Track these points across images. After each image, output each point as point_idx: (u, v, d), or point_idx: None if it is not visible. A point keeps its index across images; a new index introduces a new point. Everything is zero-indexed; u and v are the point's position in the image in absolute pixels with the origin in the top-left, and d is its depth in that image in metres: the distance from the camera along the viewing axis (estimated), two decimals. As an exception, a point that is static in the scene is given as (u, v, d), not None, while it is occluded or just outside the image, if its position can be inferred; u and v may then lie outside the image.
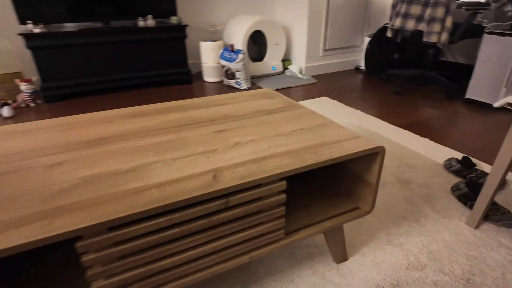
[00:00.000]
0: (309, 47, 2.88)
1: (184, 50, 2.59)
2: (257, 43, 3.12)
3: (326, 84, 2.70)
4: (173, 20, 2.50)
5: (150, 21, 2.43)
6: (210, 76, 2.76)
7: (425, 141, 1.63)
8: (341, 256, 0.90)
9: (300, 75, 2.85)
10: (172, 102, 1.02)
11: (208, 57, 2.69)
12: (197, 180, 0.60)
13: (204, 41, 2.67)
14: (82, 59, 2.27)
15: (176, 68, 2.62)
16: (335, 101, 2.23)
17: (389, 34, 2.39)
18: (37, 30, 2.08)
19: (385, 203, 1.16)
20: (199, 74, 2.97)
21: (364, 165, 0.79)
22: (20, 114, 2.05)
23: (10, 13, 2.28)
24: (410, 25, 2.18)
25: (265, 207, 0.65)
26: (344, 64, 3.18)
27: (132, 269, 0.57)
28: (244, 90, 2.54)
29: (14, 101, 2.19)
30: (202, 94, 2.47)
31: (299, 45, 2.93)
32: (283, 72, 3.01)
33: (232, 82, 2.57)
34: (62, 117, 0.90)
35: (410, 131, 1.76)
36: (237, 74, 2.50)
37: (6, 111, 1.96)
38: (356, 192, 0.84)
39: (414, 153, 1.50)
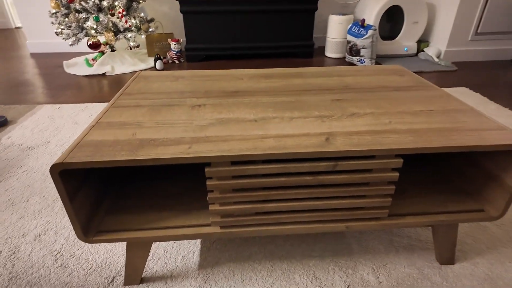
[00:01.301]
0: (456, 28, 2.46)
1: (311, 22, 2.58)
2: (392, 20, 2.84)
3: (469, 74, 2.29)
4: (307, -9, 2.49)
5: (284, -8, 2.48)
6: (332, 51, 2.69)
7: None
8: (447, 258, 0.82)
9: (437, 60, 2.49)
10: (295, 69, 1.06)
11: (335, 31, 2.61)
12: (310, 139, 0.63)
13: (333, 14, 2.59)
14: (221, 25, 2.53)
15: (301, 41, 2.64)
16: (478, 94, 1.89)
17: None
18: (189, -3, 2.39)
19: (520, 219, 0.96)
20: (321, 49, 2.92)
21: (503, 163, 0.67)
22: (167, 68, 2.46)
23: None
24: None
25: (374, 180, 0.64)
26: (498, 53, 2.61)
27: (242, 203, 0.66)
28: (366, 69, 2.39)
29: (164, 57, 2.62)
30: (321, 69, 2.44)
31: (443, 25, 2.54)
32: (416, 54, 2.68)
33: (354, 59, 2.45)
34: (203, 70, 1.05)
35: None
36: (362, 51, 2.36)
37: (158, 65, 2.38)
38: (484, 192, 0.73)
39: None
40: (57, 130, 1.50)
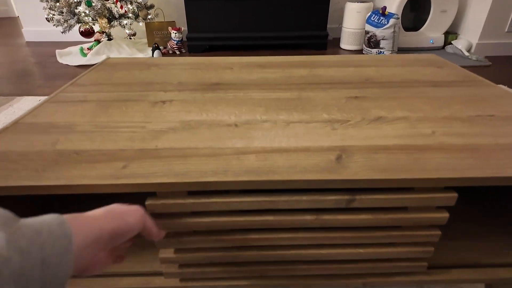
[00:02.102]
0: (490, 17, 2.17)
1: (326, 10, 2.33)
2: (417, 8, 2.55)
3: (506, 70, 2.00)
4: (321, -25, 2.24)
5: (296, -24, 2.24)
6: (348, 43, 2.43)
7: None
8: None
9: (467, 54, 2.21)
10: (300, 57, 0.84)
11: (352, 21, 2.35)
12: (313, 157, 0.41)
13: (351, 1, 2.33)
14: (226, 13, 2.31)
15: (314, 31, 2.39)
16: (518, 93, 1.61)
17: None
18: (191, -19, 2.18)
19: None
20: (336, 41, 2.67)
21: None
22: (167, 59, 2.27)
23: (174, -35, 2.47)
24: None
25: (409, 222, 0.42)
26: (540, 46, 2.30)
27: (207, 250, 0.44)
28: (386, 63, 2.13)
29: (165, 47, 2.43)
30: (335, 62, 2.20)
31: (476, 14, 2.24)
32: (442, 47, 2.40)
33: (373, 51, 2.19)
34: (185, 57, 0.85)
35: None
36: (382, 43, 2.10)
37: (156, 55, 2.19)
38: None
39: None
40: (31, 125, 1.33)
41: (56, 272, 0.24)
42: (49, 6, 2.04)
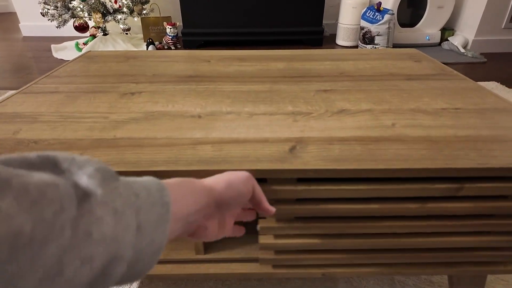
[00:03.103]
0: (487, 14, 2.15)
1: (321, 6, 2.31)
2: (413, 4, 2.53)
3: (501, 67, 1.98)
4: (317, -30, 2.23)
5: (292, -29, 2.22)
6: (344, 39, 2.42)
7: None
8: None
9: (463, 50, 2.19)
10: (281, 51, 0.84)
11: (348, 16, 2.33)
12: (268, 148, 0.41)
13: (346, -3, 2.31)
14: (221, 8, 2.30)
15: (309, 27, 2.38)
16: (511, 91, 1.60)
17: None
18: (186, -24, 2.18)
19: None
20: (332, 37, 2.65)
21: None
22: (162, 54, 2.27)
23: (170, -40, 2.46)
24: None
25: (510, 211, 0.42)
26: (538, 43, 2.28)
27: (304, 237, 0.43)
28: (381, 59, 2.12)
29: (160, 42, 2.43)
30: (330, 58, 2.19)
31: (473, 10, 2.22)
32: (439, 44, 2.38)
33: (368, 47, 2.17)
34: (170, 51, 0.85)
35: None
36: (377, 39, 2.09)
37: (151, 49, 2.18)
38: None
39: None
40: (21, 119, 1.34)
41: (150, 240, 0.22)
42: (43, 1, 2.05)
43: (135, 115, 0.50)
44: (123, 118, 0.49)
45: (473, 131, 0.45)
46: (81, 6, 2.00)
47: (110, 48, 2.27)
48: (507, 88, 1.63)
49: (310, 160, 0.38)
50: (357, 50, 0.83)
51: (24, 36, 2.72)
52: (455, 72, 0.68)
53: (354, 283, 0.67)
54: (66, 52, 2.28)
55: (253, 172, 0.37)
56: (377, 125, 0.46)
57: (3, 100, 0.55)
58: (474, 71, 1.91)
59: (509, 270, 0.48)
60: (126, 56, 0.79)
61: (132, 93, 0.57)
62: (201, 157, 0.39)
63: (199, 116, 0.50)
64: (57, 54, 2.24)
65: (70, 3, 2.01)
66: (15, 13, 3.72)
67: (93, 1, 2.00)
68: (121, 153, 0.40)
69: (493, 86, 1.65)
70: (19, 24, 2.70)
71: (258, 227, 0.42)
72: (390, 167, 0.37)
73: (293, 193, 0.39)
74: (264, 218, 0.43)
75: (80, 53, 2.18)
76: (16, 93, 0.58)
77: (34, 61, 2.11)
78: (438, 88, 0.59)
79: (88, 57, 0.78)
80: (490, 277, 0.68)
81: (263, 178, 0.38)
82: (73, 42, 2.46)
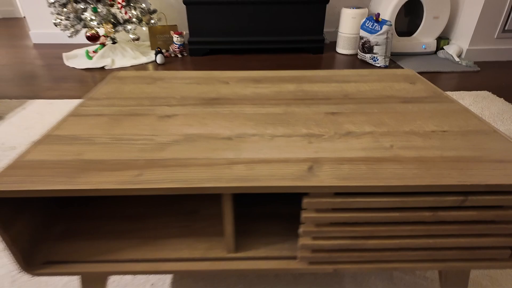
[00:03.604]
0: (481, 24, 2.26)
1: (322, 16, 2.41)
2: (410, 14, 2.64)
3: (493, 76, 2.09)
4: (318, -18, 2.33)
5: (294, -17, 2.32)
6: (344, 47, 2.52)
7: None
8: (457, 305, 0.69)
9: (457, 59, 2.29)
10: (291, 72, 0.94)
11: (347, 26, 2.44)
12: (289, 167, 0.51)
13: (346, 7, 2.42)
14: (226, 18, 2.40)
15: (310, 35, 2.48)
16: (502, 100, 1.71)
17: None
18: (193, -13, 2.27)
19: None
20: (332, 44, 2.76)
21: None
22: (169, 63, 2.36)
23: (176, -29, 2.56)
24: None
25: (505, 217, 0.52)
26: (529, 52, 2.39)
27: (337, 239, 0.54)
28: (379, 67, 2.22)
29: (167, 50, 2.52)
30: (331, 66, 2.29)
31: (467, 20, 2.33)
32: (435, 52, 2.49)
33: (367, 56, 2.28)
34: (187, 71, 0.94)
35: None
36: (375, 49, 2.19)
37: (159, 59, 2.28)
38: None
39: None
40: (44, 128, 1.43)
41: None
42: (56, 12, 2.14)
43: (176, 137, 0.59)
44: (166, 140, 0.58)
45: (456, 152, 0.55)
46: (93, 17, 2.09)
47: (119, 56, 2.36)
48: (497, 97, 1.73)
49: (325, 178, 0.48)
50: (359, 71, 0.93)
51: (34, 43, 2.80)
52: (445, 94, 0.78)
53: (358, 279, 0.77)
54: (77, 60, 2.37)
55: (279, 188, 0.47)
56: (378, 147, 0.56)
57: (60, 124, 0.64)
58: (468, 80, 2.02)
59: (492, 266, 0.58)
60: (152, 78, 0.88)
61: (169, 116, 0.67)
62: (237, 176, 0.49)
63: (229, 138, 0.59)
64: (68, 62, 2.33)
65: (82, 14, 2.10)
66: (21, 19, 3.81)
67: (104, 13, 2.10)
68: (172, 172, 0.50)
69: (485, 95, 1.76)
70: (30, 32, 2.79)
71: (300, 230, 0.52)
72: (389, 184, 0.47)
73: (328, 204, 0.49)
74: (303, 223, 0.53)
75: (91, 61, 2.28)
76: (67, 116, 0.67)
77: (47, 69, 2.20)
78: (429, 111, 0.69)
79: (118, 78, 0.88)
80: (476, 273, 0.78)
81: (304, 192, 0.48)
82: (83, 50, 2.55)
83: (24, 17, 3.93)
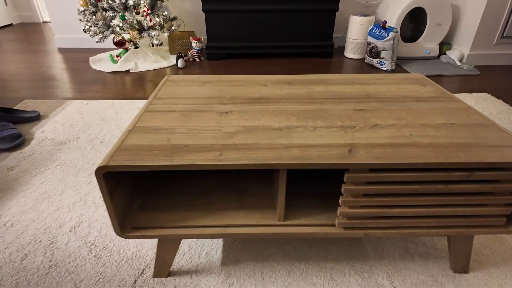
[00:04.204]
0: (481, 31, 2.41)
1: (332, 23, 2.57)
2: (414, 21, 2.80)
3: (492, 79, 2.25)
4: (328, -9, 2.49)
5: (306, -8, 2.49)
6: (352, 52, 2.68)
7: None
8: (461, 266, 0.84)
9: (459, 63, 2.45)
10: (316, 75, 1.09)
11: (355, 32, 2.60)
12: (333, 150, 0.66)
13: (355, 15, 2.58)
14: (242, 24, 2.56)
15: (320, 41, 2.64)
16: (500, 101, 1.86)
17: None
18: (212, -4, 2.43)
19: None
20: (341, 49, 2.91)
21: (523, 179, 0.69)
22: (188, 67, 2.52)
23: (194, -20, 2.72)
24: None
25: (501, 189, 0.66)
26: (527, 57, 2.54)
27: (370, 207, 0.69)
28: (386, 71, 2.38)
29: (186, 55, 2.68)
30: (340, 69, 2.45)
31: (468, 27, 2.49)
32: (437, 57, 2.64)
33: (374, 61, 2.43)
34: (229, 75, 1.10)
35: None
36: (382, 54, 2.35)
37: (180, 63, 2.44)
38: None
39: None
40: (86, 126, 1.58)
41: None
42: (86, 19, 2.30)
43: (238, 128, 0.74)
44: (232, 131, 0.73)
45: (462, 139, 0.70)
46: (121, 25, 2.25)
47: (141, 60, 2.52)
48: (496, 99, 1.89)
49: (363, 157, 0.63)
50: (375, 75, 1.08)
51: (58, 48, 2.97)
52: (451, 95, 0.93)
53: (379, 249, 0.91)
54: (102, 64, 2.53)
55: (329, 165, 0.62)
56: (400, 135, 0.71)
57: (140, 117, 0.80)
58: (469, 83, 2.17)
59: (491, 231, 0.73)
60: (201, 81, 1.04)
61: (226, 112, 0.82)
62: (294, 155, 0.64)
63: (280, 129, 0.74)
64: (94, 66, 2.49)
65: (111, 22, 2.27)
66: (40, 24, 3.97)
67: (131, 20, 2.26)
68: (243, 153, 0.65)
69: (485, 97, 1.91)
70: (54, 37, 2.95)
71: (340, 200, 0.67)
72: (410, 161, 0.62)
73: (364, 178, 0.64)
74: (343, 195, 0.68)
75: (116, 65, 2.44)
76: (144, 112, 0.83)
77: (76, 72, 2.36)
78: (439, 108, 0.84)
79: (173, 81, 1.03)
80: (478, 245, 0.93)
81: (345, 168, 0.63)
82: (107, 54, 2.72)
83: (44, 22, 4.10)
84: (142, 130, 0.74)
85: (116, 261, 0.87)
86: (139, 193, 0.83)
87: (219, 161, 0.62)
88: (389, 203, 0.68)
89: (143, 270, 0.84)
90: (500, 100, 1.87)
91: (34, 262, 0.86)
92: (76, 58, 2.70)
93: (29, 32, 3.61)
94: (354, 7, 2.89)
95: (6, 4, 3.85)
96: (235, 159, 0.63)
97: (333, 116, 0.80)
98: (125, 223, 0.74)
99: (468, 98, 1.89)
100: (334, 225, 0.74)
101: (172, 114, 0.81)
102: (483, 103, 1.82)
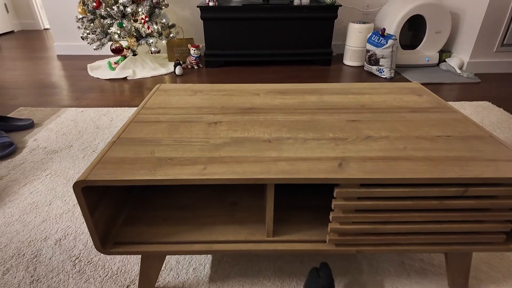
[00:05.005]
0: (480, 38, 2.39)
1: (331, 30, 2.57)
2: (414, 28, 2.79)
3: (492, 87, 2.22)
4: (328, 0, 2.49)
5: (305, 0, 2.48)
6: (351, 59, 2.66)
7: None
8: (459, 284, 0.80)
9: (459, 71, 2.43)
10: (310, 84, 1.07)
11: (354, 40, 2.58)
12: (323, 163, 0.63)
13: (353, 22, 2.57)
14: (240, 32, 2.55)
15: (319, 49, 2.63)
16: (501, 110, 1.83)
17: None
18: (211, 4, 2.43)
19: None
20: (339, 56, 2.90)
21: (523, 195, 0.66)
22: (186, 74, 2.51)
23: (193, -12, 2.73)
24: None
25: (498, 206, 0.63)
26: (527, 64, 2.52)
27: (362, 224, 0.66)
28: (385, 78, 2.36)
29: (184, 62, 2.68)
30: (339, 77, 2.43)
31: (468, 35, 2.47)
32: (437, 65, 2.62)
33: (373, 68, 2.42)
34: (220, 84, 1.08)
35: None
36: (381, 61, 2.33)
37: (178, 70, 2.43)
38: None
39: None
40: (80, 134, 1.56)
41: None
42: (84, 26, 2.30)
43: (226, 140, 0.72)
44: (219, 142, 0.71)
45: (457, 153, 0.67)
46: (119, 32, 2.25)
47: (139, 67, 2.52)
48: (496, 107, 1.86)
49: (353, 172, 0.60)
50: (371, 84, 1.06)
51: (57, 55, 2.97)
52: (448, 105, 0.90)
53: (374, 265, 0.88)
54: (100, 71, 2.52)
55: (318, 179, 0.59)
56: (393, 148, 0.69)
57: (126, 128, 0.77)
58: (469, 91, 2.14)
59: (490, 249, 0.69)
60: (193, 90, 1.02)
61: (215, 123, 0.80)
62: (282, 169, 0.62)
63: (269, 141, 0.72)
64: (92, 73, 2.48)
65: (109, 29, 2.27)
66: (41, 31, 4.00)
67: (129, 27, 2.26)
68: (229, 166, 0.62)
69: (485, 105, 1.88)
70: (54, 44, 2.96)
71: (330, 216, 0.64)
72: (403, 176, 0.59)
73: (355, 194, 0.61)
74: (333, 210, 0.65)
75: (114, 72, 2.43)
76: (131, 122, 0.80)
77: (74, 79, 2.35)
78: (434, 120, 0.82)
79: (164, 90, 1.01)
80: (477, 261, 0.89)
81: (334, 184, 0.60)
82: (105, 61, 2.71)
83: (45, 29, 4.13)
84: (127, 141, 0.72)
85: (100, 276, 0.84)
86: (127, 203, 0.81)
87: (203, 175, 0.60)
88: (382, 219, 0.65)
89: (127, 286, 0.81)
90: (501, 108, 1.84)
91: (15, 278, 0.83)
92: (75, 65, 2.70)
93: (30, 39, 3.63)
94: (353, 15, 2.88)
95: (8, 12, 3.88)
96: (220, 173, 0.61)
97: (325, 128, 0.78)
98: (108, 238, 0.72)
99: (468, 107, 1.86)
100: (325, 241, 0.71)
101: (160, 125, 0.79)
102: (483, 112, 1.79)
